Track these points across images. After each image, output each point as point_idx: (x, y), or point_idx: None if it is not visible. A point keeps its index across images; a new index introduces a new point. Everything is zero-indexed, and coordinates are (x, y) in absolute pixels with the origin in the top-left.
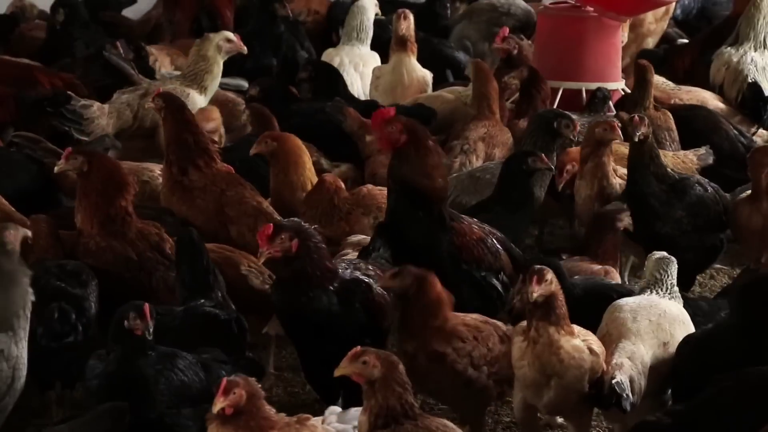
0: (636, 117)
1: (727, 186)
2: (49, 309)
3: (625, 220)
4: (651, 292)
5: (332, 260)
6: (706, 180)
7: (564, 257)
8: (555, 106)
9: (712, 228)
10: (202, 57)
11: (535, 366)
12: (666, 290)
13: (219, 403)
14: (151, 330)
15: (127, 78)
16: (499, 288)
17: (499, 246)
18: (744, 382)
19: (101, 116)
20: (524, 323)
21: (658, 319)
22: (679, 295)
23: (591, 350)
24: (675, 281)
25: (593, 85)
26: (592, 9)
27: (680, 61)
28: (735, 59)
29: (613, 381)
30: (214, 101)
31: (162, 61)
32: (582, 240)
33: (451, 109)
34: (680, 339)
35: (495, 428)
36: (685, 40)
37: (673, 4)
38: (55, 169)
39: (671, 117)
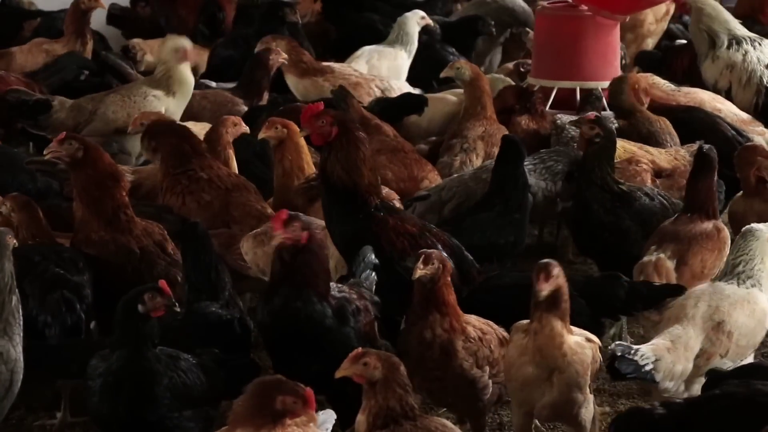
0: (588, 114)
1: (727, 186)
2: (53, 299)
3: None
4: (721, 280)
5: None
6: (657, 191)
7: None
8: (548, 106)
9: None
10: (161, 60)
11: (535, 360)
12: (734, 276)
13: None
14: (176, 304)
15: (126, 78)
16: None
17: (441, 250)
18: (747, 389)
19: (60, 110)
20: (524, 321)
21: (718, 302)
22: (756, 273)
23: (588, 339)
24: (753, 259)
25: (589, 85)
26: (587, 8)
27: (679, 61)
28: (738, 60)
29: (616, 342)
30: (214, 102)
31: (146, 55)
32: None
33: (454, 111)
34: (739, 320)
35: (495, 428)
36: (684, 41)
37: (673, 4)
38: (47, 153)
39: (669, 123)
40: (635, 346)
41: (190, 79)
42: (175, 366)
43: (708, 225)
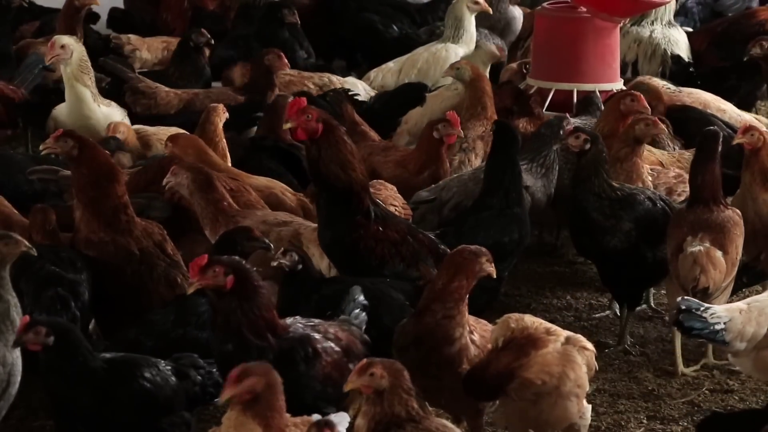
0: (569, 126)
1: (725, 185)
2: (47, 297)
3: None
4: None
5: (274, 313)
6: (659, 195)
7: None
8: (545, 108)
9: (662, 242)
10: None
11: None
12: None
13: (226, 394)
14: (48, 340)
15: (126, 81)
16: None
17: (426, 257)
18: None
19: None
20: (518, 316)
21: None
22: None
23: (584, 347)
24: None
25: (587, 87)
26: (584, 10)
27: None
28: (645, 35)
29: (683, 297)
30: (217, 100)
31: (141, 51)
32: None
33: (453, 105)
34: None
35: (496, 429)
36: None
37: (673, 4)
38: (42, 149)
39: (669, 123)
40: (706, 304)
41: (66, 79)
42: (131, 375)
43: (728, 212)
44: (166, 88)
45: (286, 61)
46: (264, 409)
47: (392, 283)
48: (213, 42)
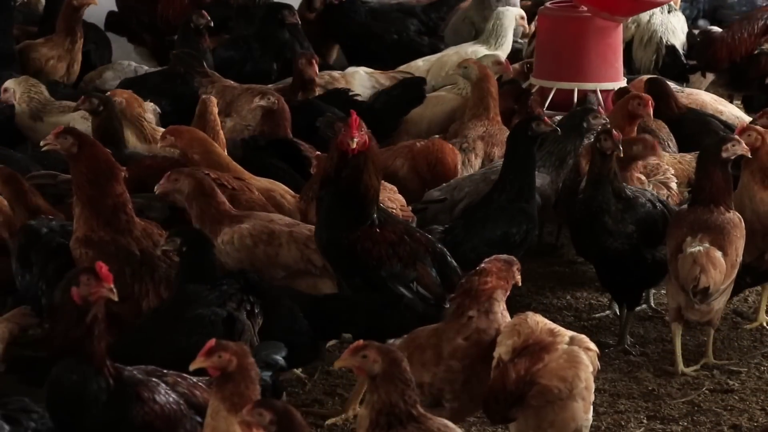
0: (613, 131)
1: None
2: (51, 269)
3: (732, 149)
4: None
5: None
6: (657, 196)
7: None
8: (545, 107)
9: (660, 243)
10: None
11: None
12: None
13: (196, 363)
14: (113, 290)
15: (196, 75)
16: (408, 295)
17: (424, 256)
18: None
19: None
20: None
21: None
22: None
23: (588, 348)
24: None
25: (588, 86)
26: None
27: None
28: (645, 18)
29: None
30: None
31: None
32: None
33: (454, 108)
34: None
35: (496, 428)
36: (717, 29)
37: (677, 2)
38: (42, 145)
39: (664, 124)
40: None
41: None
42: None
43: (730, 214)
44: (231, 82)
45: (315, 68)
46: (232, 394)
47: (290, 292)
48: (213, 24)
